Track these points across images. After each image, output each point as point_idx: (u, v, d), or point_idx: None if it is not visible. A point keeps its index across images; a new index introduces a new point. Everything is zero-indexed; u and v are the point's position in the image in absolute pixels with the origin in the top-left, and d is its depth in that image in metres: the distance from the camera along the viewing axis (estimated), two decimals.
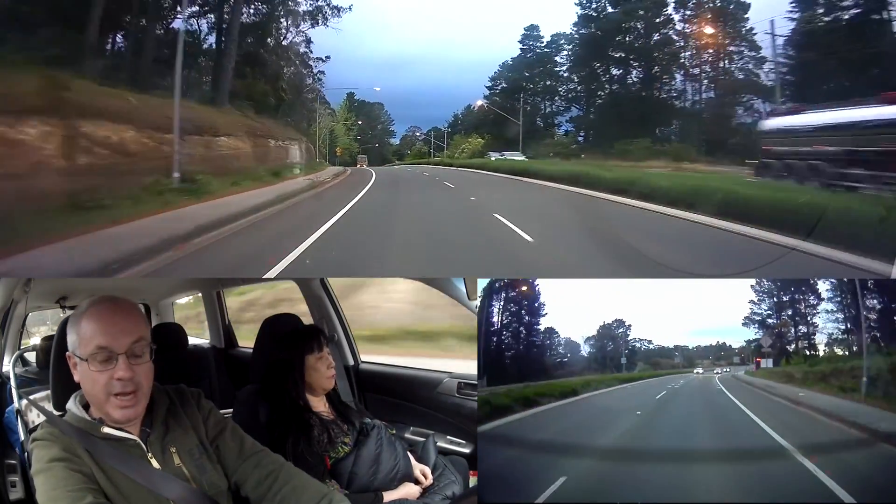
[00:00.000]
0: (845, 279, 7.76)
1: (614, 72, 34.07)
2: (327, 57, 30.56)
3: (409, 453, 2.86)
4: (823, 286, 9.78)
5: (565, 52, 35.95)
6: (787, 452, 4.02)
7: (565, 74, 36.02)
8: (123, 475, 1.81)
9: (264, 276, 6.02)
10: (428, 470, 2.83)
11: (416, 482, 2.74)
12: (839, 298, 10.01)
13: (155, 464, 1.90)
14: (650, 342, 14.59)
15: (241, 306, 5.16)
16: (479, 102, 37.78)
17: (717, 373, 13.87)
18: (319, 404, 2.80)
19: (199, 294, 4.83)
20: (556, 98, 36.63)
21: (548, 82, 36.48)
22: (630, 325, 14.06)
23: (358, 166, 36.43)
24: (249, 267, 6.78)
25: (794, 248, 7.96)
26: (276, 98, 26.78)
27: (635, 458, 4.08)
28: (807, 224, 8.33)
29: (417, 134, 43.96)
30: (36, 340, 4.21)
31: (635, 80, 33.42)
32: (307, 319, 3.69)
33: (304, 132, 29.52)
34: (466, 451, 3.28)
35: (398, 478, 2.70)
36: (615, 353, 13.95)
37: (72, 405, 1.94)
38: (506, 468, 3.52)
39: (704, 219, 10.79)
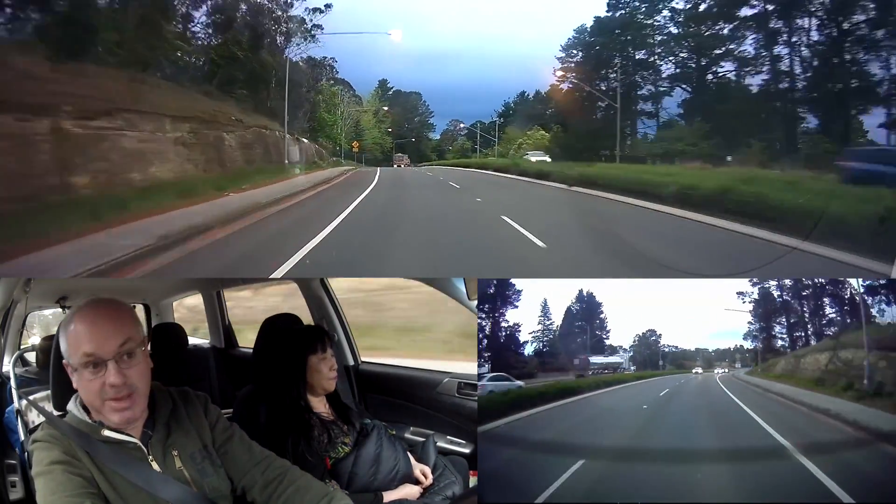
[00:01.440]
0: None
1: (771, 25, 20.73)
2: (327, 6, 22.07)
3: (408, 453, 2.86)
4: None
5: (667, 12, 24.29)
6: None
7: (664, 39, 24.45)
8: (124, 478, 1.80)
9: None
10: (428, 470, 2.82)
11: (416, 482, 2.74)
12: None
13: (156, 466, 1.89)
14: (676, 347, 15.76)
15: None
16: (558, 72, 25.92)
17: (718, 373, 14.14)
18: (320, 405, 2.80)
19: (199, 294, 4.83)
20: (652, 75, 24.76)
21: (638, 55, 24.96)
22: (661, 334, 15.26)
23: (395, 166, 30.13)
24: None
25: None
26: (221, 55, 17.62)
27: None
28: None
29: (460, 127, 35.92)
30: (35, 340, 4.21)
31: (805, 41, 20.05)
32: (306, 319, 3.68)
33: (278, 116, 20.05)
34: (466, 451, 3.28)
35: (398, 478, 2.70)
36: (654, 356, 15.29)
37: (72, 406, 1.93)
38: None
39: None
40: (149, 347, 1.98)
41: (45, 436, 1.82)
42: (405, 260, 7.17)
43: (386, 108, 32.34)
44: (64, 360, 1.90)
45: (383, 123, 32.60)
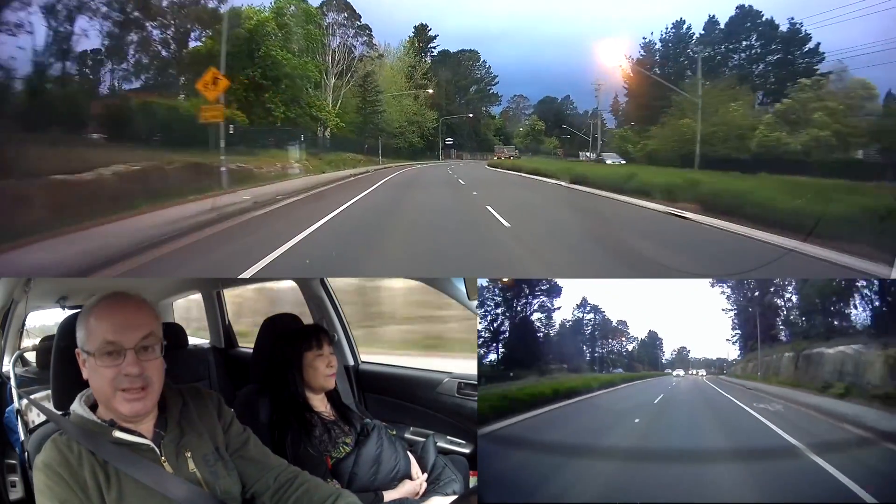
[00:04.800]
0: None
1: None
2: None
3: (409, 453, 2.86)
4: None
5: None
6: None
7: None
8: (133, 481, 1.77)
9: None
10: (423, 474, 2.83)
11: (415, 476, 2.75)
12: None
13: (168, 468, 1.86)
14: (687, 349, 16.53)
15: None
16: None
17: (703, 374, 14.44)
18: (320, 404, 2.81)
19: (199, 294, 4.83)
20: None
21: None
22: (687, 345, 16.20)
23: (497, 158, 20.05)
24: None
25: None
26: None
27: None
28: None
29: (522, 106, 24.23)
30: (35, 340, 4.20)
31: None
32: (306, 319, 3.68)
33: None
34: (466, 451, 3.29)
35: (398, 478, 2.71)
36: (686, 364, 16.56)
37: (77, 406, 1.88)
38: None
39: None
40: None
41: (49, 460, 1.75)
42: None
43: (425, 60, 19.29)
44: (77, 348, 1.87)
45: (422, 91, 19.94)
